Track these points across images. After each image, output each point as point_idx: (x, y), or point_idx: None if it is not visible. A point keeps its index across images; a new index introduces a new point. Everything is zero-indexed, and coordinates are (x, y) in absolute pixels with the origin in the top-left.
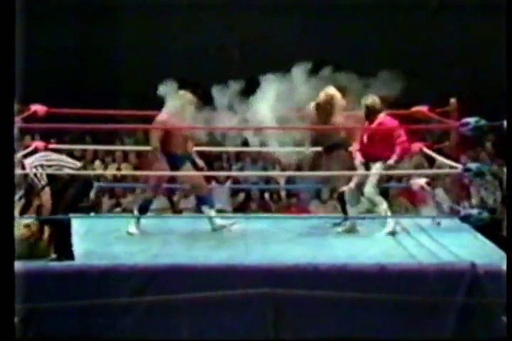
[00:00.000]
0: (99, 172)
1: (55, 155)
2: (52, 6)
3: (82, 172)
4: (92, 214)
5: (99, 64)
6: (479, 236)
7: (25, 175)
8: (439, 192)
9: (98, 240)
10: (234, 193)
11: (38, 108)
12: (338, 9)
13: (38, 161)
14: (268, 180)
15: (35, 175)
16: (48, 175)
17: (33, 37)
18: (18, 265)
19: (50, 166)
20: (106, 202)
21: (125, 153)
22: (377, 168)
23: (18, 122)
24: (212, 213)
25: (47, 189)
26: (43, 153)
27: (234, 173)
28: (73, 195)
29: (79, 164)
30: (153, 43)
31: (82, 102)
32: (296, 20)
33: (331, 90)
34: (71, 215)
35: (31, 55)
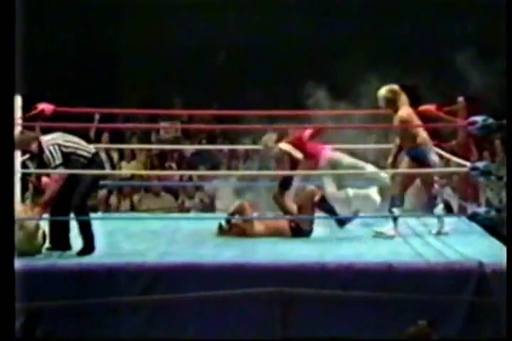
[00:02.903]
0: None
1: (71, 137)
2: (54, 2)
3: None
4: (100, 213)
5: (103, 62)
6: (487, 235)
7: (41, 152)
8: (447, 191)
9: (106, 238)
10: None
11: (45, 107)
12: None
13: (55, 140)
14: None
15: (51, 153)
16: (64, 156)
17: (33, 35)
18: (25, 263)
19: (66, 147)
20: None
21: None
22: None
23: (23, 121)
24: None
25: (60, 169)
26: (60, 133)
27: (241, 172)
28: (87, 184)
29: (93, 150)
30: (156, 41)
31: (87, 101)
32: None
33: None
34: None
35: (32, 54)
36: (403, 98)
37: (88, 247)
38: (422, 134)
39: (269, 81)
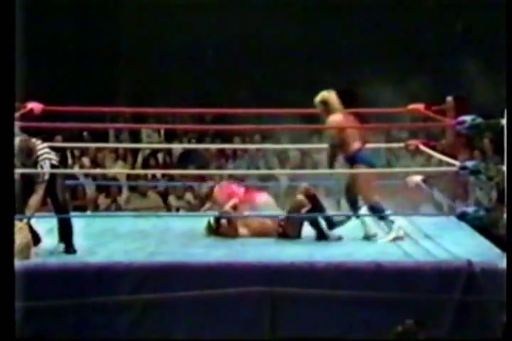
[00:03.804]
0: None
1: (48, 148)
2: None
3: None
4: (89, 212)
5: (98, 61)
6: (476, 234)
7: (35, 163)
8: (437, 190)
9: (94, 238)
10: None
11: (34, 106)
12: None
13: (48, 154)
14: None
15: (42, 168)
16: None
17: (32, 33)
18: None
19: (51, 159)
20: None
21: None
22: None
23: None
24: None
25: (43, 185)
26: (45, 143)
27: (231, 171)
28: (63, 189)
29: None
30: (146, 41)
31: (81, 100)
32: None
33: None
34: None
35: (31, 53)
36: (335, 103)
37: (69, 246)
38: (355, 139)
39: (259, 80)
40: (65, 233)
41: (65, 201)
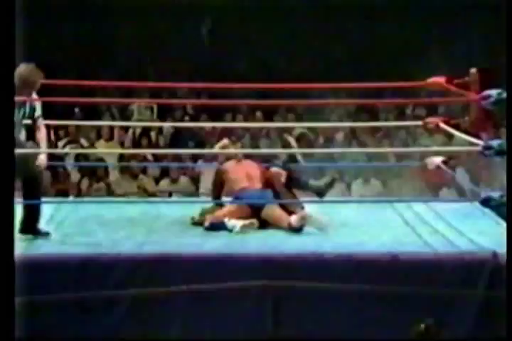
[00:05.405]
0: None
1: None
2: None
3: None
4: (71, 197)
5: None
6: (502, 222)
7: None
8: (460, 173)
9: (78, 226)
10: None
11: None
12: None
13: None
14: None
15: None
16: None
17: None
18: None
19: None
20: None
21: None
22: None
23: None
24: None
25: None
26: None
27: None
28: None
29: None
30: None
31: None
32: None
33: None
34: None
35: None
36: None
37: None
38: None
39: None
40: (31, 219)
41: (40, 181)
